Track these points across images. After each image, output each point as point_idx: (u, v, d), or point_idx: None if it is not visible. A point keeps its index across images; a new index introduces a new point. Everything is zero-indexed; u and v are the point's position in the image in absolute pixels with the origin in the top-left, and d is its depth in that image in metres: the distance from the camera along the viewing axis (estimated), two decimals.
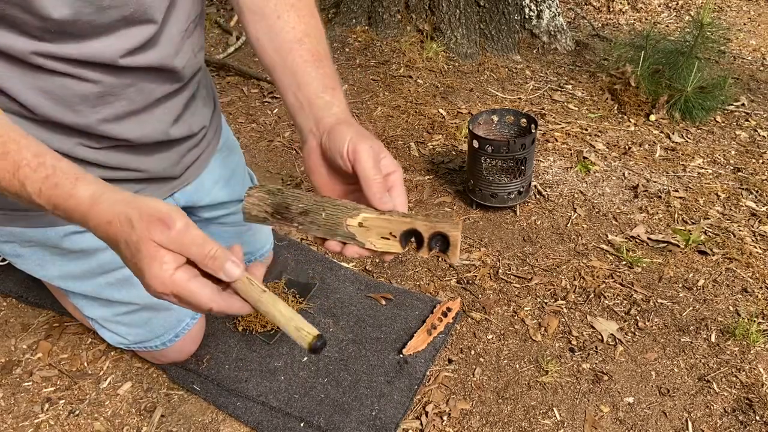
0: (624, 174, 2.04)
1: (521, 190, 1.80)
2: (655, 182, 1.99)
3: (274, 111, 2.40)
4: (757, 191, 1.95)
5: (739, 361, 1.39)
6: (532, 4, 2.88)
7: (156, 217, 0.62)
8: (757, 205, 1.89)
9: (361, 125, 0.82)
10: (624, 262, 1.65)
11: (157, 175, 1.12)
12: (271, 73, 0.89)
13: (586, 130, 2.29)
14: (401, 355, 1.37)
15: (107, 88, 0.93)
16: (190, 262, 0.65)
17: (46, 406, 1.29)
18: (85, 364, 1.38)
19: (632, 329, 1.46)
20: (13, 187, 0.68)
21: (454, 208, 1.88)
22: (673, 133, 2.26)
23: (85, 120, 0.94)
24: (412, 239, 0.73)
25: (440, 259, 1.66)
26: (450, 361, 1.38)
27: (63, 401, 1.30)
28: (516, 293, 1.56)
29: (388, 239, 0.71)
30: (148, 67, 0.95)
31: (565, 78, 2.69)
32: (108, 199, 0.65)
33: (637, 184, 1.97)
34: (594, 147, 2.18)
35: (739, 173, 2.05)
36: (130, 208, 0.64)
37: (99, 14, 0.84)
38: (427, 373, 1.35)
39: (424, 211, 1.86)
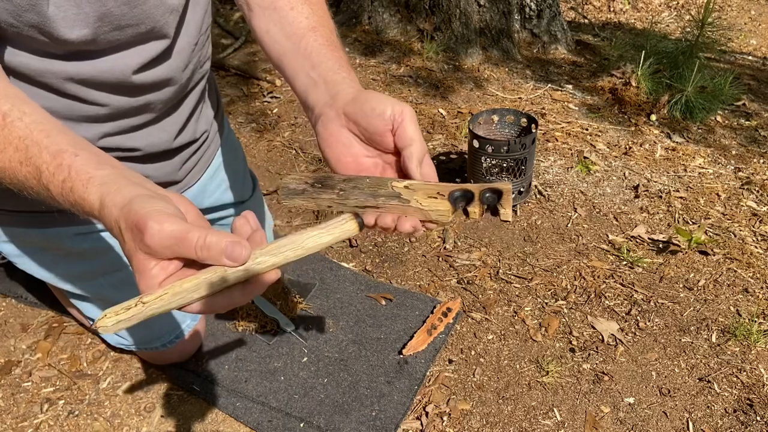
0: (625, 174, 2.03)
1: (522, 190, 1.80)
2: (655, 182, 1.99)
3: (274, 111, 2.40)
4: (758, 191, 1.94)
5: (740, 362, 1.38)
6: (532, 3, 2.88)
7: (134, 223, 0.55)
8: (758, 205, 1.88)
9: None
10: (625, 262, 1.65)
11: (158, 180, 1.12)
12: (280, 61, 0.86)
13: (587, 129, 2.29)
14: (401, 356, 1.37)
15: (114, 110, 0.94)
16: (194, 263, 0.58)
17: (46, 406, 1.29)
18: (85, 364, 1.38)
19: (633, 329, 1.46)
20: (42, 191, 0.66)
21: None
22: (673, 133, 2.25)
23: (88, 134, 0.94)
24: (462, 202, 0.71)
25: (442, 258, 1.66)
26: (450, 361, 1.38)
27: (62, 401, 1.30)
28: (516, 293, 1.56)
29: (436, 198, 0.70)
30: (158, 83, 0.96)
31: (566, 77, 2.69)
32: (109, 203, 0.60)
33: (638, 184, 1.97)
34: (594, 147, 2.18)
35: (740, 173, 2.04)
36: (122, 214, 0.57)
37: (117, 33, 0.84)
38: (428, 373, 1.34)
39: None
